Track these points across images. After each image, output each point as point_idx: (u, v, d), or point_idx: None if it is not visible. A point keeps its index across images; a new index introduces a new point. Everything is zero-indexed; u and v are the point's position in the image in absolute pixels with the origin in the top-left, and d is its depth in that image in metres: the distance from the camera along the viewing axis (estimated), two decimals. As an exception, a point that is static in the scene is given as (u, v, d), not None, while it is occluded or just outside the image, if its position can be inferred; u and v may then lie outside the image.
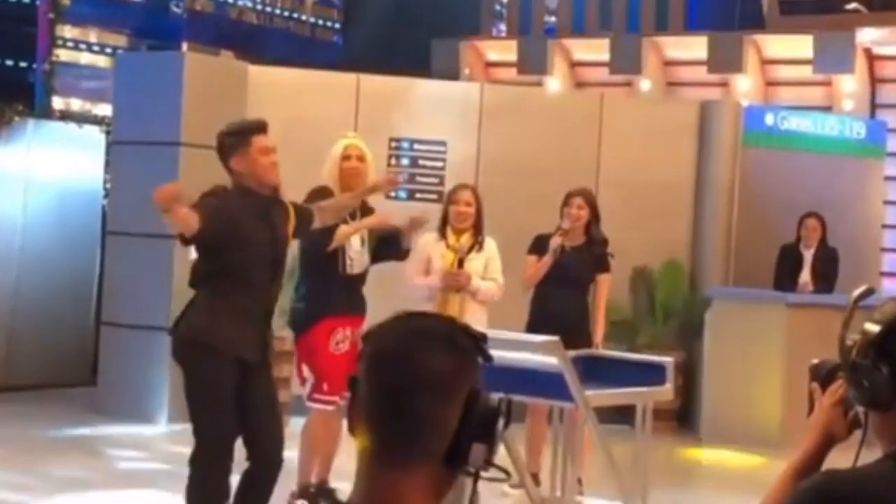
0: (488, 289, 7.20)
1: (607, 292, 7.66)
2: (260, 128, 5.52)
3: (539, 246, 7.51)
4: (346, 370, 6.55)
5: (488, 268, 7.25)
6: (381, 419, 1.84)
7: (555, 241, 7.40)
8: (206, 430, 5.41)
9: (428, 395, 1.81)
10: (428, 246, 7.23)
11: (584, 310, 7.56)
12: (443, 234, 7.25)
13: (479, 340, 1.90)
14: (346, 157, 6.71)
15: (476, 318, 7.04)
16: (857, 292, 2.44)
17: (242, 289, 5.39)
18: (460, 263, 7.18)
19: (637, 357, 7.40)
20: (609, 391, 6.23)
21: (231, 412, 5.43)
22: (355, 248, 6.67)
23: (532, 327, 7.31)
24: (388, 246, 6.83)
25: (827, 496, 2.17)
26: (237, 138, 5.48)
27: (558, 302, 7.40)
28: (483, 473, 1.90)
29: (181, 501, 5.53)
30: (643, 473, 6.31)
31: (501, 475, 1.92)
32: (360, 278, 6.76)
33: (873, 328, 2.25)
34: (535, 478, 7.09)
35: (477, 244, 7.24)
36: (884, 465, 2.23)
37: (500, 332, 6.49)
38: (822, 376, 2.50)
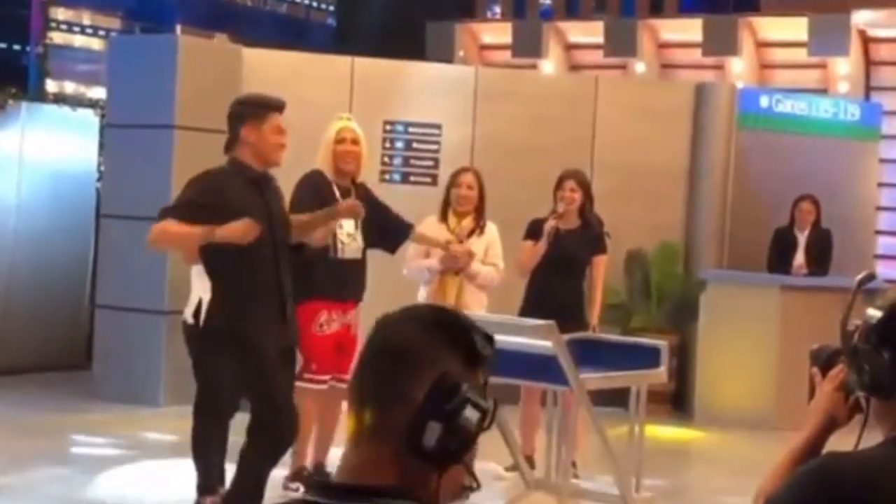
0: (488, 273, 7.14)
1: (604, 273, 7.63)
2: (279, 107, 5.55)
3: (534, 231, 7.44)
4: (333, 351, 6.53)
5: (489, 253, 7.19)
6: (357, 391, 1.86)
7: (548, 225, 7.35)
8: (204, 411, 5.47)
9: (391, 365, 1.82)
10: (429, 229, 7.19)
11: (579, 293, 7.52)
12: (444, 217, 7.20)
13: (472, 330, 1.88)
14: (340, 140, 6.60)
15: (475, 302, 7.03)
16: (859, 277, 2.44)
17: (246, 276, 5.36)
18: (460, 247, 7.14)
19: (631, 340, 7.39)
20: (604, 374, 6.23)
21: (234, 399, 5.48)
22: (347, 231, 6.56)
23: (527, 311, 7.24)
24: (385, 237, 6.78)
25: (828, 478, 2.18)
26: (256, 109, 5.51)
27: (553, 285, 7.34)
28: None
29: (176, 483, 5.55)
30: (637, 456, 6.32)
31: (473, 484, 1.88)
32: (355, 263, 6.64)
33: (875, 314, 2.25)
34: (530, 460, 7.09)
35: (478, 228, 7.19)
36: (885, 449, 2.23)
37: (495, 315, 6.52)
38: (823, 361, 2.50)
